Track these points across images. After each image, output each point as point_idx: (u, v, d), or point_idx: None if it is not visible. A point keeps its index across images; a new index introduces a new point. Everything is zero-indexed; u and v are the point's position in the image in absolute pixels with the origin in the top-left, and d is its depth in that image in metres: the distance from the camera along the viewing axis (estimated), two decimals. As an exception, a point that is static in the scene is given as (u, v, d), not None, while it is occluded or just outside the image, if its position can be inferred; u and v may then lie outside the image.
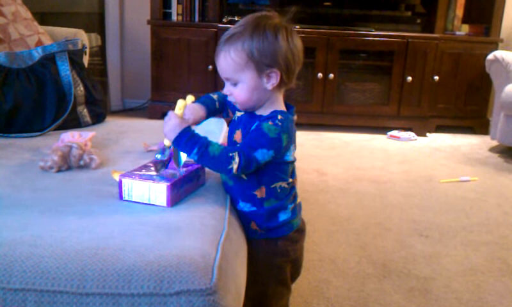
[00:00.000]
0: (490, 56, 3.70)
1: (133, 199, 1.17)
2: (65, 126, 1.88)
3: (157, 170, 1.21)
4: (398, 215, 2.46)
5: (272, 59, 1.13)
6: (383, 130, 4.08)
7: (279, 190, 1.23)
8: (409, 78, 3.99)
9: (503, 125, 3.52)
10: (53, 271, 0.86)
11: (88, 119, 2.00)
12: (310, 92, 4.02)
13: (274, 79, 1.15)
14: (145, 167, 1.27)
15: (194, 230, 1.02)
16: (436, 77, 4.04)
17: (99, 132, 1.75)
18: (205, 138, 1.14)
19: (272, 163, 1.18)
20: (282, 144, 1.15)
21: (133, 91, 4.50)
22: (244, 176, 1.20)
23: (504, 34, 4.22)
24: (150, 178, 1.17)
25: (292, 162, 1.25)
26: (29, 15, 2.50)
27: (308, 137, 3.85)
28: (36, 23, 2.50)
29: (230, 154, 1.12)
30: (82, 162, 1.42)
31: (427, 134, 4.13)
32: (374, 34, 3.98)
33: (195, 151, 1.11)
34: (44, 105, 1.87)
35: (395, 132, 4.00)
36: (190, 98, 1.25)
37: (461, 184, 2.98)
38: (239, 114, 1.27)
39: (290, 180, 1.25)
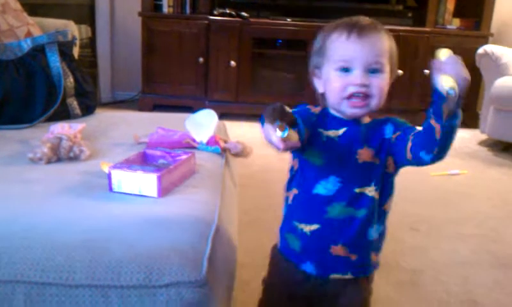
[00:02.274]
0: (480, 50, 3.72)
1: (123, 191, 1.17)
2: (55, 118, 1.87)
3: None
4: (388, 208, 2.47)
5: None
6: (373, 123, 4.08)
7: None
8: (400, 71, 4.00)
9: (492, 118, 3.54)
10: (42, 263, 0.85)
11: (77, 111, 1.99)
12: (302, 85, 4.02)
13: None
14: (135, 158, 1.26)
15: (184, 222, 1.02)
16: (427, 71, 4.05)
17: (89, 124, 1.74)
18: None
19: None
20: None
21: (123, 83, 4.47)
22: (377, 193, 1.03)
23: (494, 28, 4.24)
24: (140, 169, 1.17)
25: None
26: (18, 6, 2.48)
27: (299, 130, 3.85)
28: (25, 14, 2.48)
29: None
30: (72, 154, 1.41)
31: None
32: (365, 27, 3.98)
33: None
34: (34, 96, 1.86)
35: (385, 126, 4.01)
36: None
37: (450, 177, 2.99)
38: (337, 132, 1.02)
39: None
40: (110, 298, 0.84)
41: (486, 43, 4.00)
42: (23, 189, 1.18)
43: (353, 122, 1.01)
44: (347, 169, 1.01)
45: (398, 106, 4.09)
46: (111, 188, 1.18)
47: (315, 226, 1.03)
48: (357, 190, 1.01)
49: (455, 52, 0.97)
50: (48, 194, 1.15)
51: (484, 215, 2.46)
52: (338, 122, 1.02)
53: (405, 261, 1.95)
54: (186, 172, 1.27)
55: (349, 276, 1.05)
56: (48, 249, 0.88)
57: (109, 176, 1.18)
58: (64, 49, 2.01)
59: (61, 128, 1.46)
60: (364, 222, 1.02)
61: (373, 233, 1.04)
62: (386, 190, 1.04)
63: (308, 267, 1.05)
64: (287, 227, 1.08)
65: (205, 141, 1.57)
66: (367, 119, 1.03)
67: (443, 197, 2.67)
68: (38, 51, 1.94)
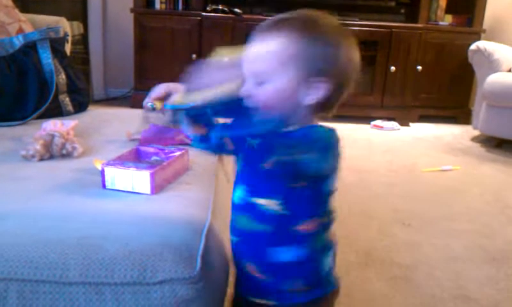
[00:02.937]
0: (473, 47, 3.73)
1: (116, 188, 1.16)
2: (47, 115, 1.85)
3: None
4: (381, 204, 2.48)
5: (325, 65, 0.89)
6: (366, 119, 4.09)
7: (329, 219, 0.97)
8: (393, 68, 4.01)
9: (485, 114, 3.56)
10: (36, 260, 0.85)
11: (70, 108, 1.98)
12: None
13: (320, 92, 0.90)
14: (128, 155, 1.26)
15: (177, 219, 1.02)
16: (420, 67, 4.06)
17: (81, 121, 1.73)
18: None
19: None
20: None
21: (116, 80, 4.46)
22: (283, 209, 0.91)
23: (486, 24, 4.25)
24: (133, 165, 1.17)
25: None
26: (10, 2, 2.47)
27: (292, 126, 3.85)
28: (17, 10, 2.46)
29: None
30: (64, 151, 1.40)
31: (410, 124, 4.15)
32: (359, 23, 3.99)
33: None
34: (26, 93, 1.85)
35: (378, 122, 4.02)
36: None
37: (443, 173, 3.00)
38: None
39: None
40: (104, 295, 0.84)
41: (479, 39, 4.02)
42: (15, 186, 1.17)
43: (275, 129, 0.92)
44: (254, 176, 0.94)
45: (391, 102, 4.11)
46: (104, 186, 1.17)
47: (232, 238, 1.00)
48: (255, 200, 0.93)
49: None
50: (41, 191, 1.15)
51: (477, 211, 2.47)
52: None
53: (398, 257, 1.96)
54: (179, 169, 1.27)
55: (268, 303, 0.96)
56: (41, 246, 0.88)
57: (102, 173, 1.17)
58: (56, 46, 2.00)
59: (53, 125, 1.45)
60: (268, 240, 0.93)
61: (285, 255, 0.93)
62: (300, 208, 0.92)
63: (242, 286, 1.00)
64: None
65: (198, 137, 1.56)
66: (295, 127, 0.91)
67: (435, 193, 2.68)
68: (30, 48, 1.92)
